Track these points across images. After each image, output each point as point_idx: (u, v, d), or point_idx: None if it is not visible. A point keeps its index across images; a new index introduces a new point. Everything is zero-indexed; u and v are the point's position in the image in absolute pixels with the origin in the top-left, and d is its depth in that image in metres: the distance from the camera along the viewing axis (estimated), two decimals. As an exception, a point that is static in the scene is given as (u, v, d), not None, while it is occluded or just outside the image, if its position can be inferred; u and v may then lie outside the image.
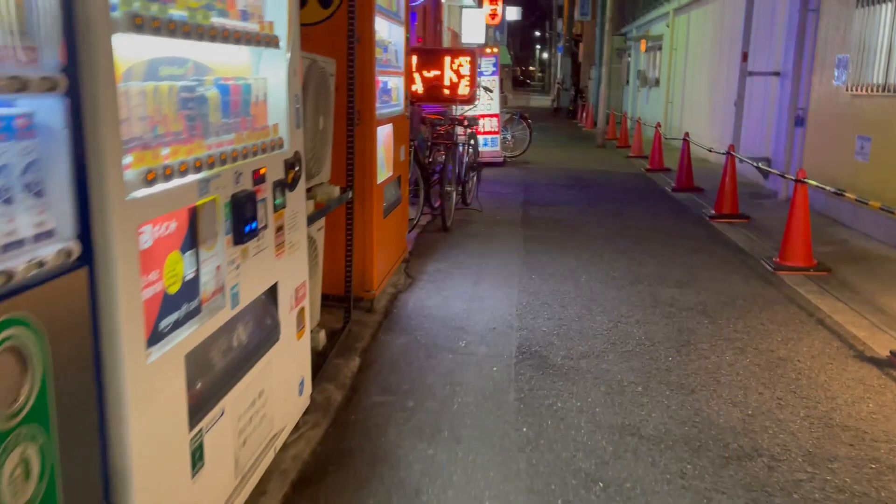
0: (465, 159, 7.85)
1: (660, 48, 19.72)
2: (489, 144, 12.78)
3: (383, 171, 4.73)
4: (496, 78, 12.59)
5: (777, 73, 10.06)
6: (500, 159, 12.73)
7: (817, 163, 8.39)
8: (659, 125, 12.76)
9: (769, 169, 7.73)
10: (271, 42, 2.49)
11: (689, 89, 16.08)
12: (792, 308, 4.92)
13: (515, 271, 5.70)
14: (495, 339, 4.19)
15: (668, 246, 6.72)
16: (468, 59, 8.51)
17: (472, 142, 8.41)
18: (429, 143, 7.42)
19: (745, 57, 9.93)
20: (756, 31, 10.02)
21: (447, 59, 8.52)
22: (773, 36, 10.42)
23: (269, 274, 2.50)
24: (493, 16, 13.78)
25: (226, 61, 2.32)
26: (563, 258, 6.15)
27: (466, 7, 16.94)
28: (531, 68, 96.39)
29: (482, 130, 12.66)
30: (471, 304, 4.80)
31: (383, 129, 4.69)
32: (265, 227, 2.41)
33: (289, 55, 2.60)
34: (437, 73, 8.42)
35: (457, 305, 4.78)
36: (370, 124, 4.30)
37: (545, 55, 69.75)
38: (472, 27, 16.99)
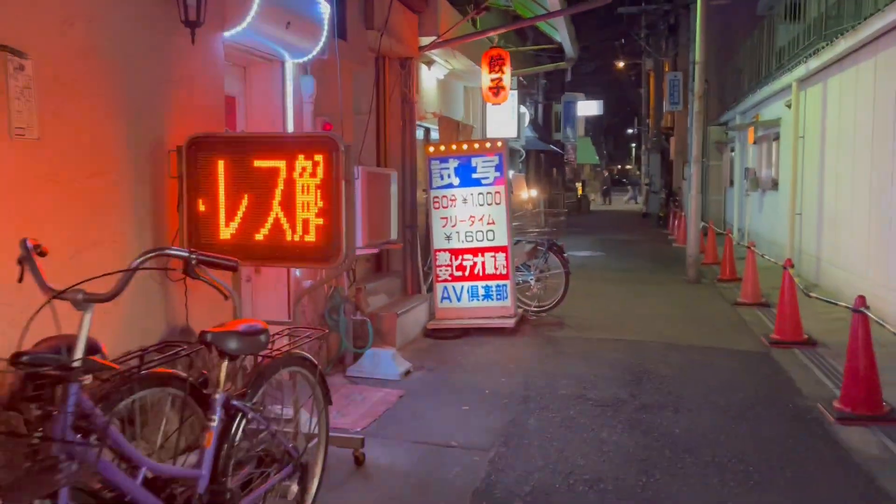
0: (204, 473, 2.58)
1: (776, 137, 14.20)
2: (492, 297, 7.64)
3: None
4: (501, 188, 7.60)
5: None
6: (510, 323, 7.48)
7: None
8: (789, 264, 7.20)
9: None
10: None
11: (829, 195, 10.42)
12: None
13: None
14: None
15: None
16: (320, 154, 3.57)
17: (255, 404, 2.82)
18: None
19: None
20: None
21: (286, 159, 3.61)
22: None
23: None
24: (496, 91, 8.76)
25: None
26: None
27: (494, 89, 12.19)
28: (628, 167, 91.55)
29: (478, 275, 7.58)
30: None
31: None
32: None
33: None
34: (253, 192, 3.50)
35: None
36: None
37: (641, 153, 64.50)
38: (501, 116, 12.21)
